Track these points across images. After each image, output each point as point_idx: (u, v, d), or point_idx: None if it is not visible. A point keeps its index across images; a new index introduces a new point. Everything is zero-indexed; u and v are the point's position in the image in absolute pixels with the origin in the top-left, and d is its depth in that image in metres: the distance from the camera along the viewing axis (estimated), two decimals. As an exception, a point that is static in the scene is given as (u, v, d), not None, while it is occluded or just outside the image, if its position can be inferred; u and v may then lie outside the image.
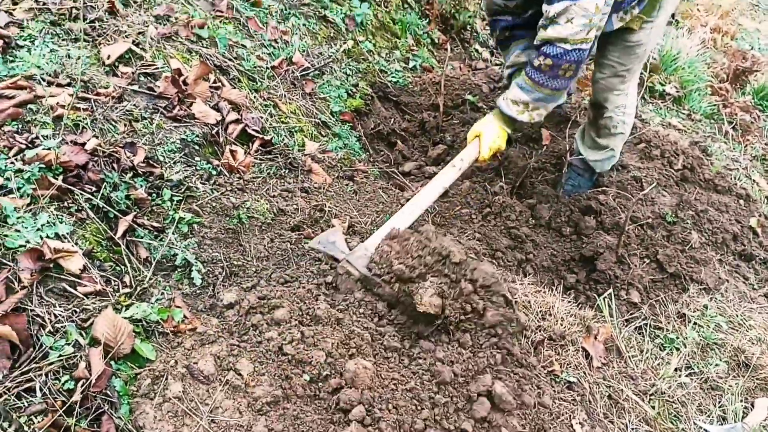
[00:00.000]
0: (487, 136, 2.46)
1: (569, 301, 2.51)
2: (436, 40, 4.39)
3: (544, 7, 2.13)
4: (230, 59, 2.79)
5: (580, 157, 3.11)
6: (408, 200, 2.38)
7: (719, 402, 2.21)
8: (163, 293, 1.85)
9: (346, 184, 2.70)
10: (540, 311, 2.26)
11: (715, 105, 4.88)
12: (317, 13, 3.60)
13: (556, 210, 3.06)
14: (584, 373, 2.11)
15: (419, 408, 1.73)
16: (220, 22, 3.00)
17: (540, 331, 2.19)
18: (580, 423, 1.91)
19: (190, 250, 1.99)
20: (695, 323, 2.53)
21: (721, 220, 3.26)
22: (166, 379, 1.64)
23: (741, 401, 2.23)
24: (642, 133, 3.69)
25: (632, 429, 1.96)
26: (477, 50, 4.65)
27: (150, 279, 1.86)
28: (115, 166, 2.00)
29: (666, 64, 4.91)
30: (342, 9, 3.74)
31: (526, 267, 2.77)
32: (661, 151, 3.56)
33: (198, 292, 1.93)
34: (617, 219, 2.99)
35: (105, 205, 1.91)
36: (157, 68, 2.47)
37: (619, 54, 2.62)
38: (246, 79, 2.80)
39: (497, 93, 3.83)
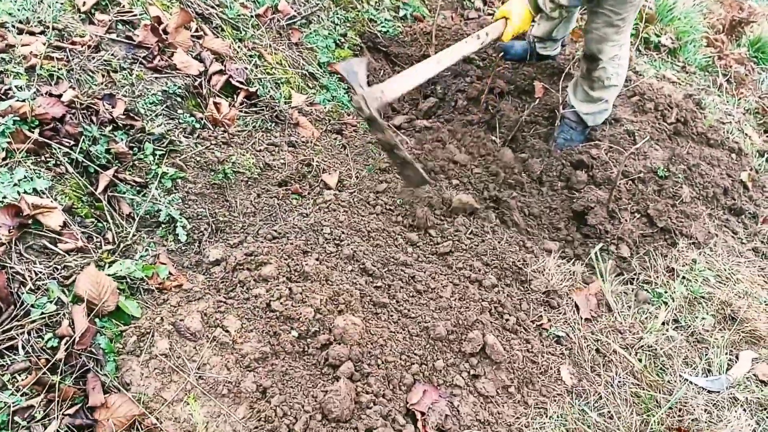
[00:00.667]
0: (515, 19, 2.58)
1: (561, 256, 2.50)
2: (427, -12, 4.25)
3: None
4: (212, 7, 2.68)
5: (573, 110, 3.05)
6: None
7: (705, 355, 2.23)
8: (147, 250, 1.82)
9: (335, 138, 2.63)
10: (533, 267, 2.25)
11: (710, 57, 4.79)
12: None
13: (547, 164, 3.02)
14: (573, 327, 2.11)
15: (408, 363, 1.73)
16: (202, -33, 2.87)
17: (531, 285, 2.18)
18: (569, 374, 1.93)
19: (174, 206, 1.95)
20: (683, 277, 2.53)
21: (713, 174, 3.23)
22: (153, 336, 1.62)
23: (726, 354, 2.25)
24: (636, 86, 3.62)
25: (619, 381, 1.97)
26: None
27: (133, 235, 1.82)
28: (93, 118, 1.93)
29: (662, 14, 4.79)
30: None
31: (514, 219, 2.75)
32: (654, 104, 3.50)
33: (183, 248, 1.90)
34: (609, 173, 2.95)
35: (84, 160, 1.85)
36: (136, 16, 2.37)
37: (613, 2, 2.54)
38: (229, 28, 2.69)
39: (490, 44, 3.72)
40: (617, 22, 2.59)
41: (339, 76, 3.08)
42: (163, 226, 1.91)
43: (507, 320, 1.98)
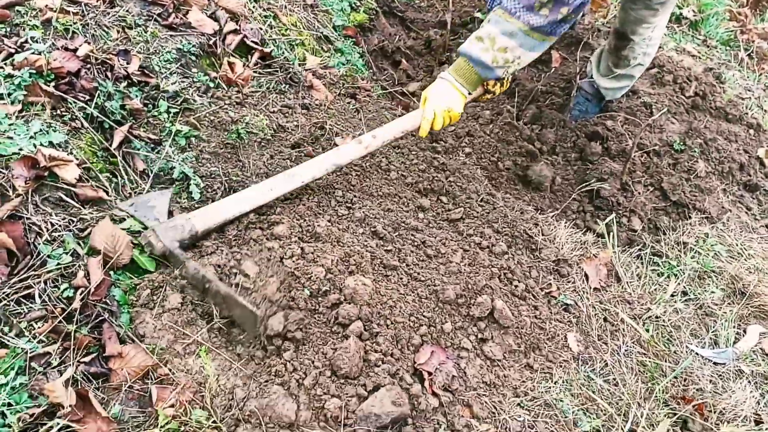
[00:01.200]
0: (433, 100, 1.97)
1: (572, 226, 2.50)
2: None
3: None
4: (228, -35, 2.64)
5: (591, 81, 3.00)
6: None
7: (712, 327, 2.23)
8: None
9: (348, 102, 2.62)
10: (545, 235, 2.25)
11: (732, 31, 4.69)
12: None
13: (561, 135, 2.99)
14: (581, 296, 2.12)
15: (417, 325, 1.75)
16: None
17: (541, 253, 2.19)
18: (576, 341, 1.94)
19: (188, 164, 1.95)
20: (695, 251, 2.52)
21: (729, 150, 3.20)
22: (165, 290, 1.65)
23: (734, 327, 2.26)
24: (655, 58, 3.55)
25: (625, 350, 1.99)
26: (488, -35, 4.42)
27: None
28: (108, 74, 1.93)
29: (686, -15, 4.69)
30: None
31: (529, 190, 2.74)
32: (673, 77, 3.44)
33: (196, 206, 1.91)
34: (624, 146, 2.93)
35: (99, 115, 1.86)
36: (151, -28, 2.34)
37: None
38: (245, -13, 2.66)
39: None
40: (656, 6, 2.48)
41: (354, 39, 3.05)
42: (177, 183, 1.92)
43: (516, 287, 1.99)
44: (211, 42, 2.30)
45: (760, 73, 4.41)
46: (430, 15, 3.56)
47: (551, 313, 2.00)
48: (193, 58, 2.24)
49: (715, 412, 1.86)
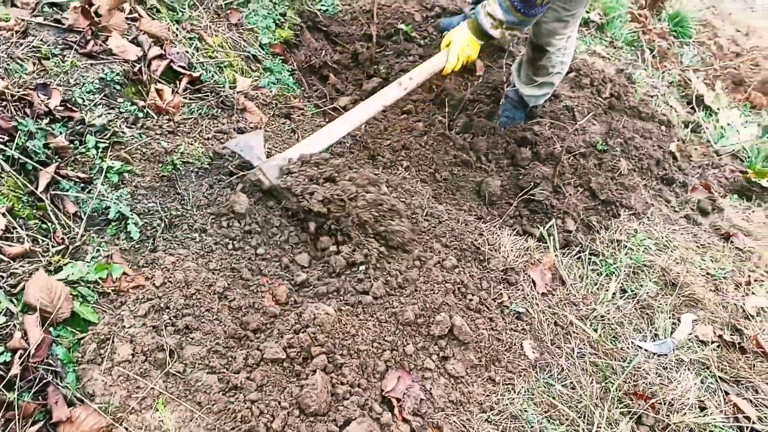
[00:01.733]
0: (457, 44, 2.45)
1: (512, 233, 2.56)
2: (362, -35, 4.17)
3: None
4: (145, -14, 2.52)
5: (515, 89, 3.10)
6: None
7: (651, 320, 2.35)
8: (98, 250, 1.71)
9: (283, 123, 2.57)
10: (489, 245, 2.29)
11: (635, 32, 4.98)
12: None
13: (493, 142, 3.07)
14: (531, 303, 2.17)
15: (380, 350, 1.73)
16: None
17: (490, 263, 2.23)
18: (531, 349, 1.99)
19: (123, 202, 1.84)
20: (627, 247, 2.65)
21: (646, 147, 3.39)
22: (113, 342, 1.54)
23: (669, 318, 2.39)
24: (572, 62, 3.71)
25: (578, 352, 2.06)
26: (404, -26, 4.46)
27: (82, 236, 1.71)
28: (28, 111, 1.79)
29: (590, -10, 4.92)
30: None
31: (466, 198, 2.78)
32: (590, 80, 3.61)
33: (137, 246, 1.80)
34: (552, 149, 3.04)
35: (21, 156, 1.71)
36: (64, -3, 2.20)
37: (564, 0, 2.55)
38: (165, 9, 2.55)
39: (430, 22, 3.72)
40: (566, 18, 2.60)
41: (282, 57, 3.00)
42: (114, 223, 1.80)
43: (470, 300, 2.01)
44: (135, 69, 2.19)
45: (663, 71, 4.71)
46: (355, 28, 3.55)
47: (506, 323, 2.04)
48: (118, 87, 2.12)
49: (664, 404, 1.96)
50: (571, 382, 1.94)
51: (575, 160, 3.08)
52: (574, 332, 2.14)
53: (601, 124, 3.40)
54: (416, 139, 2.89)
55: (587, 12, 4.80)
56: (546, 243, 2.50)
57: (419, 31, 3.64)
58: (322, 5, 3.51)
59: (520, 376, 1.89)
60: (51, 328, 1.49)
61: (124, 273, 1.68)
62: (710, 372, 2.20)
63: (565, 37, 2.73)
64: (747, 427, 2.02)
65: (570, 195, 2.92)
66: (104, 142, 1.93)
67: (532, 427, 1.74)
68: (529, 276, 2.28)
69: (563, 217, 2.83)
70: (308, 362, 1.62)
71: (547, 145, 3.07)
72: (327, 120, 2.81)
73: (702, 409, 2.03)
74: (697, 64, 5.18)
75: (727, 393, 2.15)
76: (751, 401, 2.14)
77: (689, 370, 2.17)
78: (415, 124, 3.00)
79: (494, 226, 2.56)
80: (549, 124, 3.18)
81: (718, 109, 4.32)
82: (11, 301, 1.47)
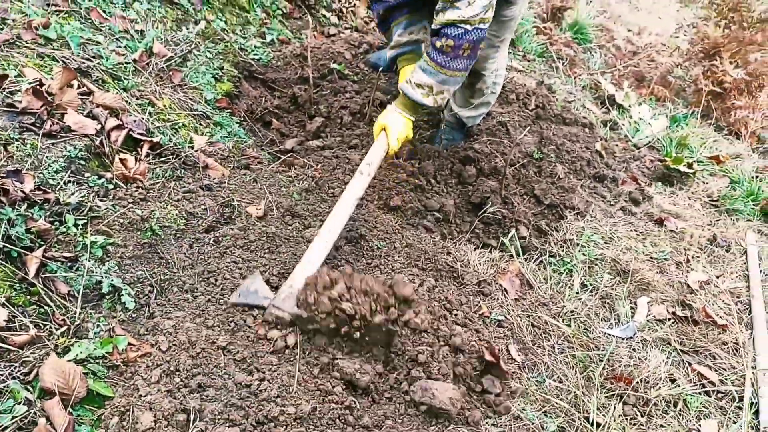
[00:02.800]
0: (394, 129, 2.43)
1: (475, 248, 2.73)
2: (285, 10, 4.31)
3: None
4: (88, 59, 2.56)
5: (452, 112, 3.30)
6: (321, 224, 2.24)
7: (613, 308, 2.57)
8: (98, 325, 1.74)
9: (244, 174, 2.64)
10: (459, 262, 2.44)
11: (543, 44, 5.37)
12: (159, -5, 3.37)
13: (438, 164, 3.25)
14: (507, 309, 2.34)
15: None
16: (61, 17, 2.71)
17: (464, 279, 2.38)
18: (517, 352, 2.14)
19: (113, 274, 1.87)
20: (579, 245, 2.88)
21: (576, 149, 3.68)
22: (133, 412, 1.57)
23: (628, 303, 2.62)
24: (497, 81, 3.98)
25: (558, 348, 2.23)
26: (324, 15, 4.64)
27: (80, 314, 1.73)
28: (3, 199, 1.79)
29: (498, 10, 5.27)
30: (183, -12, 3.53)
31: (427, 222, 2.94)
32: (516, 95, 3.89)
33: (134, 315, 1.83)
34: (494, 164, 3.26)
35: (6, 245, 1.72)
36: (12, 80, 2.20)
37: (495, 28, 2.71)
38: (110, 79, 2.59)
39: (359, 58, 3.89)
40: (497, 44, 2.82)
41: (229, 110, 3.08)
42: (108, 297, 1.83)
43: (456, 315, 2.15)
44: (96, 142, 2.22)
45: (575, 77, 5.09)
46: (289, 72, 3.67)
47: (490, 332, 2.19)
48: (83, 162, 2.14)
49: (641, 382, 2.16)
50: (558, 376, 2.11)
51: (516, 171, 3.31)
52: (550, 330, 2.32)
53: (532, 134, 3.67)
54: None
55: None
56: (508, 252, 2.69)
57: (351, 68, 3.81)
58: (254, 54, 3.61)
59: (513, 378, 2.04)
60: (70, 410, 1.51)
61: (129, 343, 1.71)
62: (672, 347, 2.44)
63: (496, 60, 2.95)
64: (713, 391, 2.26)
65: (518, 204, 3.13)
66: (82, 219, 1.95)
67: (533, 423, 1.89)
68: (500, 285, 2.45)
69: (516, 226, 3.03)
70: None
71: (489, 160, 3.29)
72: (283, 164, 2.90)
73: (672, 381, 2.25)
74: (603, 66, 5.63)
75: (690, 363, 2.38)
76: (710, 367, 2.39)
77: (655, 347, 2.40)
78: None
79: (458, 243, 2.72)
80: (487, 141, 3.40)
81: (629, 106, 4.73)
82: (27, 389, 1.48)
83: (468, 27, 2.17)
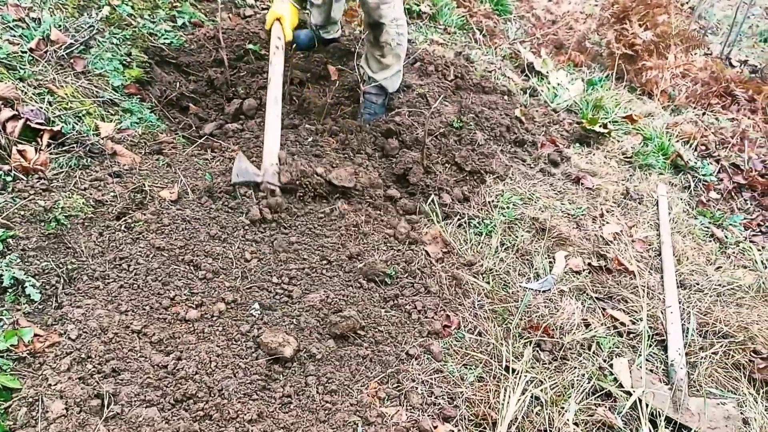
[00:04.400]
0: (288, 18, 2.89)
1: (399, 217, 2.77)
2: (197, -8, 4.21)
3: None
4: (-22, 49, 2.43)
5: (373, 83, 3.32)
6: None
7: (532, 264, 2.67)
8: (1, 319, 1.68)
9: (157, 159, 2.58)
10: (382, 236, 2.48)
11: (463, 17, 5.43)
12: (57, -20, 3.23)
13: (362, 139, 3.27)
14: (431, 271, 2.39)
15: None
16: (-54, 8, 2.57)
17: (388, 252, 2.41)
18: (446, 315, 2.20)
19: (14, 267, 1.81)
20: (499, 207, 2.96)
21: (495, 117, 3.76)
22: (42, 401, 1.54)
23: (546, 258, 2.72)
24: (416, 54, 4.02)
25: (478, 304, 2.30)
26: (240, -3, 4.55)
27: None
28: None
29: (416, -15, 5.30)
30: (84, -28, 3.40)
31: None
32: (435, 67, 3.93)
33: (41, 307, 1.78)
34: (415, 135, 3.30)
35: None
36: None
37: None
38: (5, 69, 2.47)
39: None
40: None
41: (139, 96, 2.99)
42: (10, 291, 1.77)
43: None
44: (-9, 134, 2.12)
45: (495, 47, 5.18)
46: (204, 56, 3.60)
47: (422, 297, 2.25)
48: (-23, 156, 2.05)
49: (557, 329, 2.26)
50: (478, 331, 2.18)
51: (437, 140, 3.36)
52: (471, 288, 2.38)
53: (452, 104, 3.73)
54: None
55: (417, 5, 5.17)
56: (430, 217, 2.74)
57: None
58: (165, 39, 3.51)
59: (437, 337, 2.10)
60: (-27, 406, 1.46)
61: (35, 335, 1.66)
62: (587, 295, 2.55)
63: (390, 5, 3.03)
64: (624, 331, 2.38)
65: (440, 173, 3.19)
66: (-22, 213, 1.88)
67: (453, 375, 1.95)
68: (423, 249, 2.50)
69: (439, 193, 3.09)
70: None
71: (410, 132, 3.33)
72: (200, 148, 2.85)
73: (587, 326, 2.36)
74: (522, 36, 5.74)
75: (604, 309, 2.50)
76: (623, 311, 2.52)
77: (570, 297, 2.50)
78: (287, 135, 3.12)
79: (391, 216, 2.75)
80: (408, 113, 3.44)
81: (547, 72, 4.85)
82: None
83: None
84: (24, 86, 2.45)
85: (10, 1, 2.87)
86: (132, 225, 2.17)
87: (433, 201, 2.85)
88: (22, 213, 1.98)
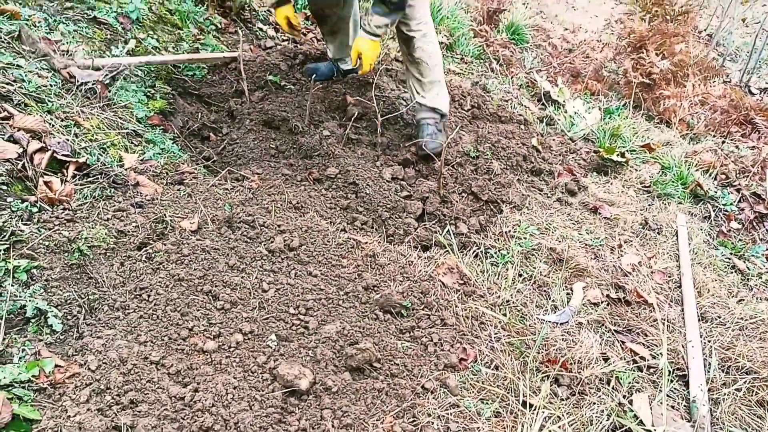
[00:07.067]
0: (367, 54, 3.09)
1: (415, 248, 2.78)
2: (219, 25, 4.31)
3: None
4: (8, 83, 2.52)
5: (426, 107, 3.39)
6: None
7: (549, 295, 2.65)
8: (23, 350, 1.71)
9: (178, 189, 2.63)
10: (399, 266, 2.48)
11: (480, 46, 5.49)
12: (85, 15, 3.34)
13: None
14: (447, 302, 2.38)
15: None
16: (-20, 44, 2.67)
17: (404, 283, 2.41)
18: (463, 348, 2.19)
19: (38, 298, 1.84)
20: (515, 237, 2.96)
21: (512, 146, 3.78)
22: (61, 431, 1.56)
23: (563, 290, 2.70)
24: (432, 83, 4.06)
25: (495, 337, 2.29)
26: (261, 29, 4.66)
27: (4, 339, 1.70)
28: None
29: (433, 15, 5.38)
30: (111, 7, 3.51)
31: (364, 223, 2.96)
32: (452, 97, 3.97)
33: (62, 337, 1.81)
34: (431, 165, 3.33)
35: None
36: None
37: None
38: (34, 102, 2.55)
39: (296, 69, 3.91)
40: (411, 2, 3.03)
41: (162, 127, 3.06)
42: (33, 321, 1.80)
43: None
44: (18, 166, 2.18)
45: (512, 76, 5.23)
46: (225, 87, 3.68)
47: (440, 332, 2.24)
48: (4, 187, 2.11)
49: (574, 363, 2.23)
50: (495, 364, 2.17)
51: (454, 170, 3.38)
52: (487, 321, 2.37)
53: (469, 133, 3.76)
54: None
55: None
56: (445, 249, 2.75)
57: (287, 79, 3.83)
58: (188, 70, 3.60)
59: (453, 370, 2.09)
60: (-6, 437, 1.48)
61: (56, 365, 1.69)
62: (606, 327, 2.53)
63: (419, 21, 3.18)
64: (644, 366, 2.35)
65: (456, 202, 3.21)
66: (5, 243, 1.92)
67: (470, 410, 1.93)
68: (439, 280, 2.50)
69: (455, 223, 3.10)
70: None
71: (426, 161, 3.36)
72: (221, 178, 2.90)
73: (606, 360, 2.33)
74: (539, 65, 5.79)
75: (623, 342, 2.47)
76: (643, 344, 2.48)
77: (588, 330, 2.48)
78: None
79: (406, 246, 2.76)
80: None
81: (564, 101, 4.87)
82: (-54, 419, 1.45)
83: None
84: (51, 119, 2.52)
85: (41, 36, 2.97)
86: (153, 255, 2.21)
87: (449, 231, 2.86)
88: (47, 243, 2.03)
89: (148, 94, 3.22)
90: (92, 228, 2.19)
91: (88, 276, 2.03)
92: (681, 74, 4.96)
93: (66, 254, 2.05)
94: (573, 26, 7.55)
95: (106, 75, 2.99)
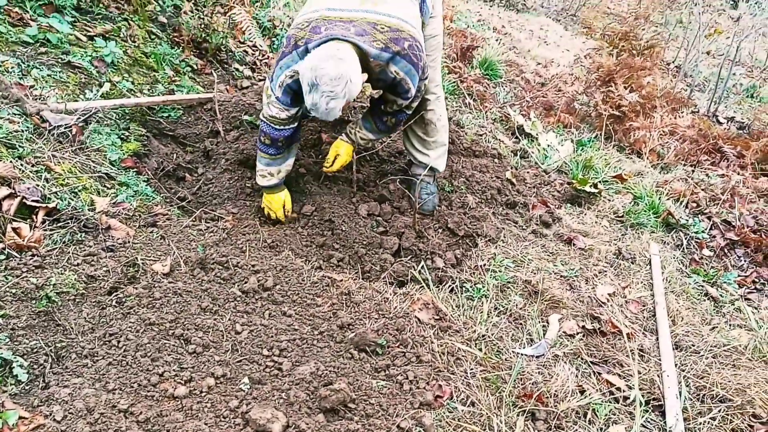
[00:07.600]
0: (344, 158, 3.10)
1: (391, 284, 2.78)
2: (195, 66, 4.36)
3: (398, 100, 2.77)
4: (-22, 130, 2.51)
5: (424, 165, 3.37)
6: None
7: (525, 328, 2.66)
8: (-14, 402, 1.67)
9: (151, 232, 2.62)
10: (374, 303, 2.48)
11: (454, 82, 5.60)
12: (60, 60, 3.36)
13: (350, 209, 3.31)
14: (422, 339, 2.38)
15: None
16: (-50, 90, 2.67)
17: (379, 320, 2.41)
18: (438, 385, 2.18)
19: (3, 347, 1.81)
20: (491, 270, 2.98)
21: (486, 179, 3.83)
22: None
23: (539, 322, 2.71)
24: (406, 120, 4.12)
25: (471, 373, 2.28)
26: (237, 69, 4.71)
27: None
28: None
29: (407, 53, 5.48)
30: (86, 51, 3.53)
31: (340, 260, 2.96)
32: (425, 132, 4.02)
33: (27, 387, 1.78)
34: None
35: None
36: None
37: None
38: (4, 148, 2.55)
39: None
40: (430, 63, 3.00)
41: (135, 169, 3.06)
42: (-3, 371, 1.77)
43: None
44: (-14, 213, 2.17)
45: (486, 111, 5.32)
46: (200, 127, 3.70)
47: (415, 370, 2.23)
48: (-29, 235, 2.09)
49: (551, 397, 2.23)
50: (471, 401, 2.16)
51: (429, 205, 3.41)
52: (463, 356, 2.37)
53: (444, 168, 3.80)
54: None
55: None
56: (420, 284, 2.75)
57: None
58: (162, 112, 3.62)
59: (428, 408, 2.07)
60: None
61: (20, 417, 1.65)
62: (582, 359, 2.53)
63: (436, 83, 3.18)
64: (620, 397, 2.35)
65: (432, 237, 3.22)
66: (-31, 293, 1.90)
67: (445, 450, 1.92)
68: (415, 316, 2.50)
69: (432, 257, 3.11)
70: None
71: (402, 197, 3.39)
72: (195, 219, 2.90)
73: (582, 392, 2.33)
74: (512, 99, 5.91)
75: (599, 373, 2.48)
76: (618, 375, 2.49)
77: (564, 362, 2.48)
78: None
79: (382, 284, 2.76)
80: (399, 179, 3.51)
81: (537, 134, 4.96)
82: None
83: (408, 111, 2.88)
84: (22, 164, 2.52)
85: (13, 81, 2.98)
86: (123, 300, 2.18)
87: (424, 267, 2.87)
88: (14, 291, 2.00)
89: (122, 136, 3.23)
90: (61, 274, 2.16)
91: (55, 323, 2.00)
92: (649, 106, 5.09)
93: (33, 301, 2.02)
94: (545, 61, 7.74)
95: (79, 119, 2.99)
